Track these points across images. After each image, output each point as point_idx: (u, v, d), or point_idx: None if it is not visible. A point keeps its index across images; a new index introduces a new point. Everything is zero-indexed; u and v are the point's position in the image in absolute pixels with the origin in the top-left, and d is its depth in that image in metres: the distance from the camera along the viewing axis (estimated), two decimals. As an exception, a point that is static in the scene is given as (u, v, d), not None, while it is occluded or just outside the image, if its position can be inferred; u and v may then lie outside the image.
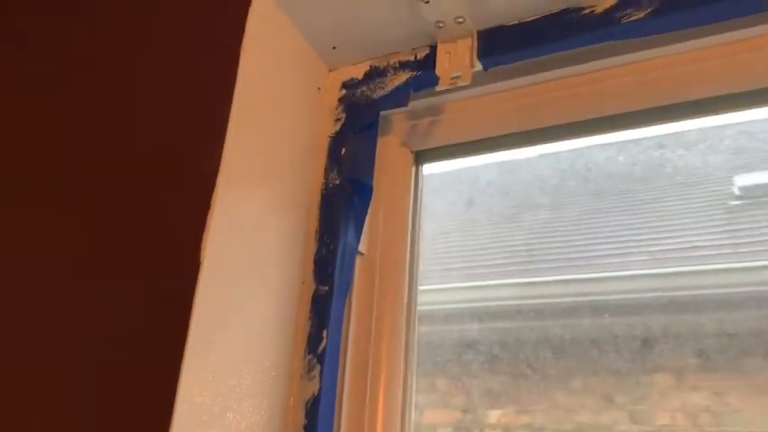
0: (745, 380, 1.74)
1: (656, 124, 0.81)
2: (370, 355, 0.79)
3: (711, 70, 0.75)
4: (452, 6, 0.78)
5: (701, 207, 2.64)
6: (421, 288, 0.84)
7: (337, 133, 0.86)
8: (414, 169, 0.89)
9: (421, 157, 0.90)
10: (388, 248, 0.85)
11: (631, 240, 2.26)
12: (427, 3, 0.78)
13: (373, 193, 0.83)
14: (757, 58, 0.73)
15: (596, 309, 2.01)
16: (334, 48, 0.87)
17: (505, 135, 0.86)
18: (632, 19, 0.74)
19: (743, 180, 2.58)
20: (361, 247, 0.83)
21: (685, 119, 0.79)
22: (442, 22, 0.80)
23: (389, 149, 0.89)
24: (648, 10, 0.74)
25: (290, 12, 0.82)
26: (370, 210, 0.83)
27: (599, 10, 0.76)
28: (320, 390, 0.74)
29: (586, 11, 0.77)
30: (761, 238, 2.42)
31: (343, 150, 0.85)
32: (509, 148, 0.89)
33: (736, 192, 2.56)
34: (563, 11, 0.78)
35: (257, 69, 0.76)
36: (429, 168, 0.92)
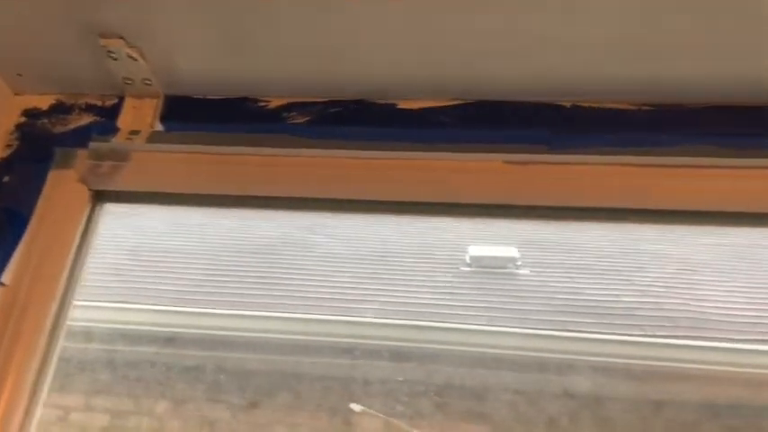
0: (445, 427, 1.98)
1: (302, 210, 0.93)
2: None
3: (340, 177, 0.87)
4: (138, 69, 0.83)
5: (435, 269, 2.94)
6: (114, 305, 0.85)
7: (5, 159, 0.86)
8: (90, 207, 0.91)
9: (100, 196, 0.92)
10: (37, 281, 0.85)
11: (362, 290, 2.45)
12: (115, 60, 0.82)
13: (32, 224, 0.84)
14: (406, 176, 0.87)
15: (313, 348, 2.14)
16: (19, 74, 0.86)
17: (181, 193, 0.92)
18: (295, 121, 0.85)
19: (475, 251, 2.94)
20: (4, 278, 0.82)
21: (324, 211, 0.92)
22: (131, 79, 0.85)
23: (65, 184, 0.89)
24: (308, 118, 0.85)
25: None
26: (24, 240, 0.84)
27: (270, 106, 0.86)
28: None
29: (261, 104, 0.87)
30: (481, 304, 2.76)
31: (7, 178, 0.85)
32: (185, 205, 0.95)
33: (468, 260, 2.91)
34: (242, 98, 0.87)
35: None
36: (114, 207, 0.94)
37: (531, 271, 2.77)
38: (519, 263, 2.76)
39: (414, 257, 2.77)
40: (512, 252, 2.79)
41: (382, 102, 0.84)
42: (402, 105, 0.83)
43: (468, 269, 2.76)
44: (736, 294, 2.52)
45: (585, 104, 0.78)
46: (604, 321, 2.36)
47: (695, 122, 0.74)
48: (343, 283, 2.37)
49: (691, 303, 2.40)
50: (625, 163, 0.76)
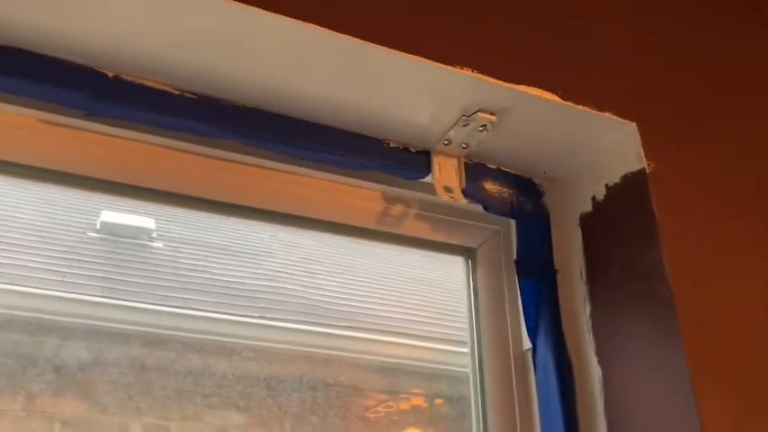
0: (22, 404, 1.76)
1: None
2: None
3: None
4: None
5: (60, 231, 2.65)
6: None
7: None
8: None
9: None
10: None
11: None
12: None
13: None
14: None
15: None
16: None
17: None
18: None
19: (107, 216, 2.73)
20: None
21: None
22: None
23: None
24: None
25: None
26: None
27: None
28: None
29: None
30: (99, 274, 2.58)
31: None
32: None
33: (98, 225, 2.69)
34: None
35: None
36: None
37: (165, 245, 2.68)
38: (154, 235, 2.65)
39: (34, 214, 2.45)
40: (148, 223, 2.67)
41: None
42: None
43: (97, 235, 2.56)
44: (348, 286, 2.83)
45: (128, 78, 0.75)
46: (227, 302, 2.42)
47: (230, 119, 0.77)
48: None
49: (307, 291, 2.62)
50: (157, 144, 0.76)
